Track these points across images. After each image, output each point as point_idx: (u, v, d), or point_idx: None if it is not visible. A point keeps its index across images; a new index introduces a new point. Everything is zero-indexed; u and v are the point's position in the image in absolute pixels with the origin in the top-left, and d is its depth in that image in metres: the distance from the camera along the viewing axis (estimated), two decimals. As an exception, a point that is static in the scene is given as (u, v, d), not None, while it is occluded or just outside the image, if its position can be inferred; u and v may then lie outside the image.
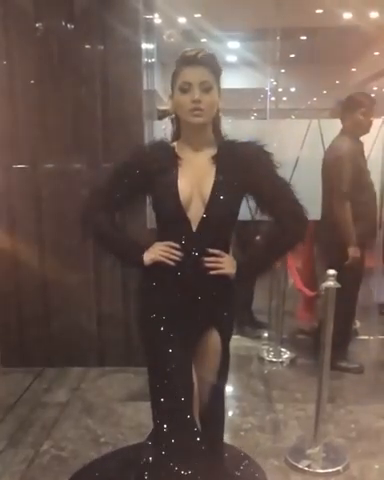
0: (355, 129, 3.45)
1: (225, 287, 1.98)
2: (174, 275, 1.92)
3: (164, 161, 1.92)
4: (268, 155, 1.94)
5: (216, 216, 1.89)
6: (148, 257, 1.95)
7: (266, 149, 1.95)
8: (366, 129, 3.47)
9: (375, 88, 12.11)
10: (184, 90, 1.84)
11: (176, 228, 1.92)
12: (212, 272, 1.90)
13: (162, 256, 1.91)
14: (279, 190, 1.94)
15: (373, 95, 3.70)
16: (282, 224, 1.97)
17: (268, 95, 4.65)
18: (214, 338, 2.03)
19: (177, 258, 1.90)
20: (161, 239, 1.96)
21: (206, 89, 1.83)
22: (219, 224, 1.92)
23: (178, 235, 1.91)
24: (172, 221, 1.93)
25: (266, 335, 4.18)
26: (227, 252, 1.97)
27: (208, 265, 1.90)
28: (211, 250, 1.90)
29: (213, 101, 1.86)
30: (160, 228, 2.01)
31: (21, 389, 3.36)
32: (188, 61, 1.85)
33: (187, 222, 1.89)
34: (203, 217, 1.89)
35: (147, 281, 2.01)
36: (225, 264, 1.92)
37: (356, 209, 3.32)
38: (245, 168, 1.91)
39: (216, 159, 1.93)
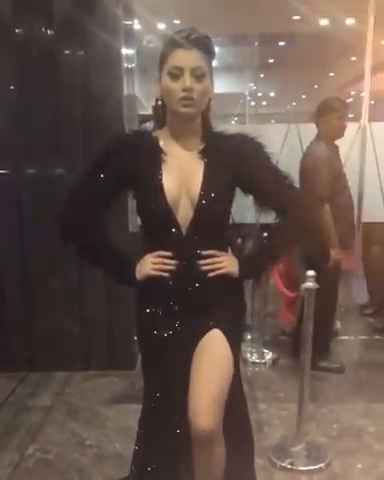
0: (330, 133, 3.51)
1: (228, 289, 1.80)
2: (170, 286, 1.75)
3: (147, 155, 1.73)
4: (260, 146, 1.80)
5: (207, 216, 1.71)
6: (140, 273, 1.77)
7: (258, 140, 1.80)
8: (340, 133, 3.53)
9: (353, 92, 12.24)
10: (174, 76, 1.64)
11: (164, 232, 1.73)
12: (211, 274, 1.73)
13: (154, 269, 1.74)
14: (276, 181, 1.79)
15: (351, 99, 3.78)
16: (284, 215, 1.83)
17: (247, 100, 4.69)
18: (214, 332, 1.77)
19: (171, 267, 1.73)
20: (148, 245, 1.79)
21: (198, 76, 1.64)
22: (211, 225, 1.75)
23: (167, 240, 1.74)
24: (159, 225, 1.74)
25: (249, 337, 4.20)
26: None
27: (205, 268, 1.73)
28: (204, 252, 1.73)
29: (205, 90, 1.67)
30: (146, 233, 1.83)
31: (5, 394, 3.35)
32: (179, 42, 1.63)
33: (176, 225, 1.71)
34: (193, 218, 1.71)
35: (142, 298, 1.85)
36: (224, 263, 1.76)
37: (334, 212, 3.37)
38: (236, 162, 1.75)
39: (204, 154, 1.75)
